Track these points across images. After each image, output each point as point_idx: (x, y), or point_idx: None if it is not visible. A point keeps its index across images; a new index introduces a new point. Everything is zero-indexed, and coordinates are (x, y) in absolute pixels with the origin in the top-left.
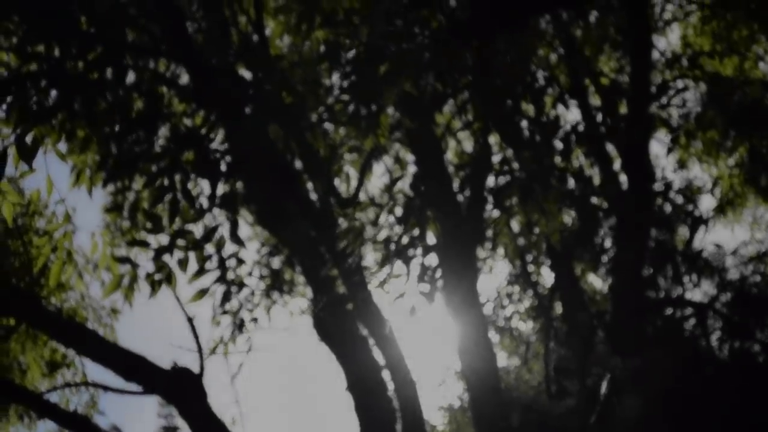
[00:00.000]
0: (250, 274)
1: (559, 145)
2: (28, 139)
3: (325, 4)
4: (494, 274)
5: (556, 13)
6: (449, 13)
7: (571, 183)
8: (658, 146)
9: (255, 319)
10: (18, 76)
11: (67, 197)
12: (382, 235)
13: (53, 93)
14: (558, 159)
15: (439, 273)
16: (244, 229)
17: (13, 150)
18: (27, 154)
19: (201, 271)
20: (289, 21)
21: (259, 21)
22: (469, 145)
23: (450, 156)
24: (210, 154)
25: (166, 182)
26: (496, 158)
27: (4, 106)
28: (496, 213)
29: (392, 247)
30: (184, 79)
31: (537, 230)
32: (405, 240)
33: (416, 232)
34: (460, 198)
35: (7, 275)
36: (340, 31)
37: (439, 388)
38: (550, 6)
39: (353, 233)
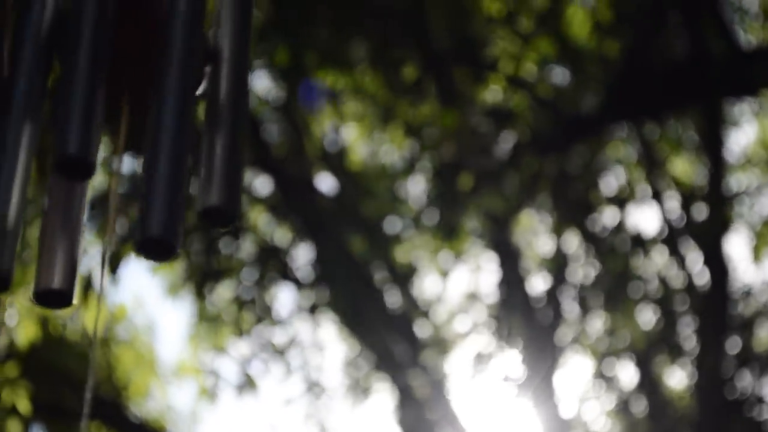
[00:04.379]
0: (333, 380)
1: (638, 247)
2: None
3: (402, 113)
4: (575, 373)
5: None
6: (532, 126)
7: (652, 284)
8: (736, 244)
9: (339, 425)
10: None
11: (151, 306)
12: (464, 340)
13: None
14: (638, 261)
15: (522, 376)
16: (328, 335)
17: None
18: (114, 269)
19: (284, 379)
20: (367, 128)
21: (337, 128)
22: (548, 249)
23: (529, 259)
24: (293, 265)
25: (250, 293)
26: (575, 256)
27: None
28: (576, 314)
29: (475, 353)
30: (266, 189)
31: (618, 332)
32: (488, 346)
33: (499, 337)
34: (539, 301)
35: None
36: (423, 142)
37: None
38: (631, 117)
39: (435, 340)
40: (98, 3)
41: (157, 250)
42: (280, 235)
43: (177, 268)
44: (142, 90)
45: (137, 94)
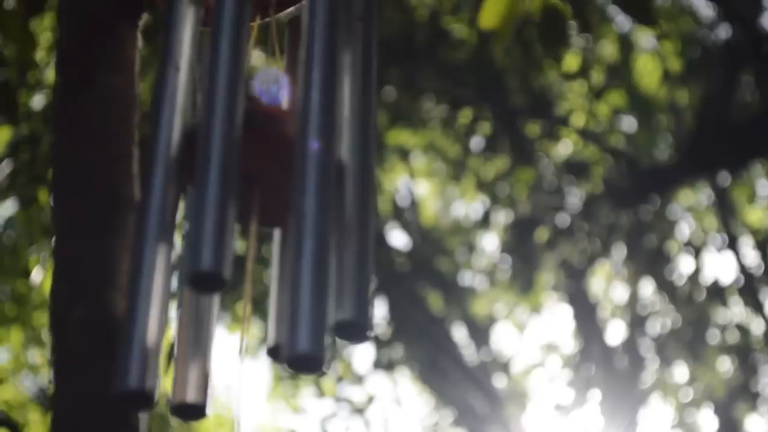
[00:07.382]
0: None
1: (715, 294)
2: None
3: (474, 168)
4: (655, 422)
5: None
6: (606, 178)
7: (730, 331)
8: None
9: None
10: None
11: (229, 366)
12: (543, 392)
13: None
14: (715, 308)
15: (602, 427)
16: (406, 391)
17: None
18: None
19: None
20: (439, 184)
21: (409, 184)
22: (624, 299)
23: (606, 309)
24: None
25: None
26: (652, 306)
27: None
28: (654, 363)
29: (554, 404)
30: None
31: (698, 380)
32: (567, 397)
33: (578, 388)
34: (617, 351)
35: None
36: (496, 197)
37: None
38: (705, 167)
39: (514, 393)
40: (226, 120)
41: (304, 364)
42: None
43: (253, 328)
44: (272, 203)
45: (268, 207)
